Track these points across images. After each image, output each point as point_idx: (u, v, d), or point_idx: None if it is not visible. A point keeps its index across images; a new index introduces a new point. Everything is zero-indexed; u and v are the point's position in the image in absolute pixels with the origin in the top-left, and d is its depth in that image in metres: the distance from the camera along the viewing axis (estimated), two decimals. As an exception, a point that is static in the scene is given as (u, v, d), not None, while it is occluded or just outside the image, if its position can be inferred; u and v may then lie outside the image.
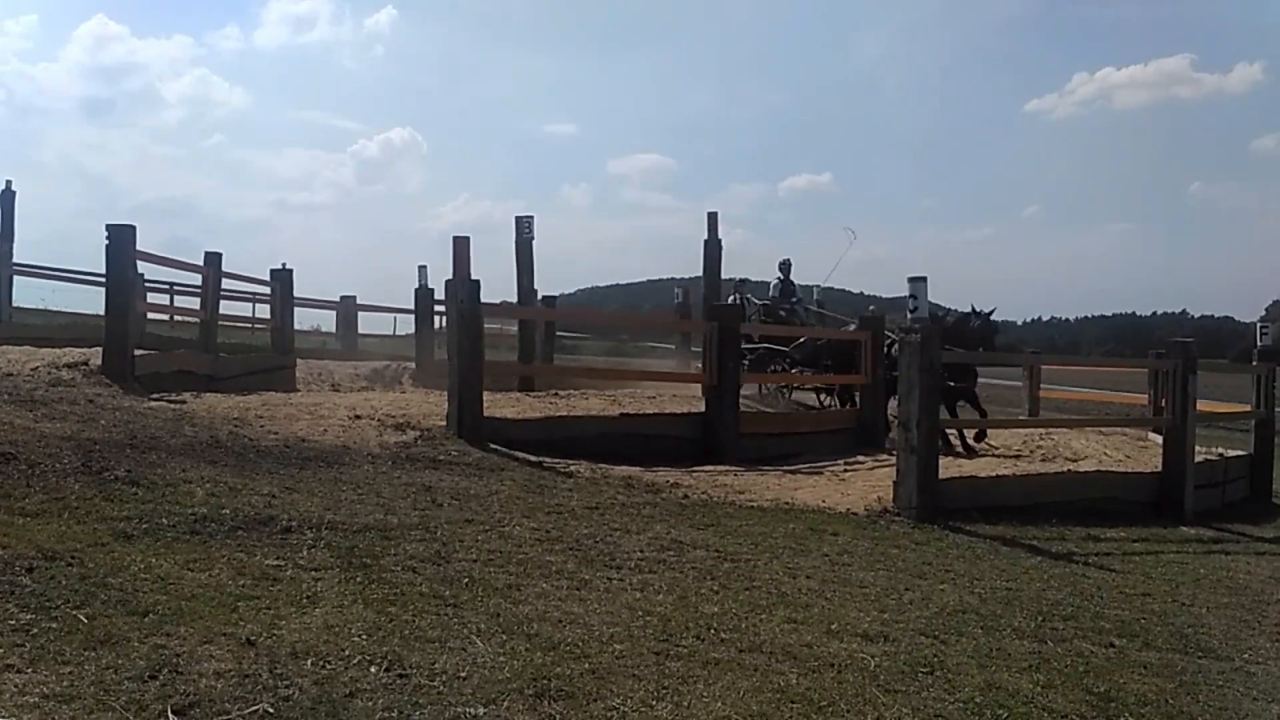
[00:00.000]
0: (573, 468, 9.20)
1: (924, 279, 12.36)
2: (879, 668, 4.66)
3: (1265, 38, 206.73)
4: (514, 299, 16.61)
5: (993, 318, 13.98)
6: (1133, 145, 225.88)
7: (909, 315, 12.31)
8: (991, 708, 4.34)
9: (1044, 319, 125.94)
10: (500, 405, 11.36)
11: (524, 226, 17.28)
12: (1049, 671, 4.93)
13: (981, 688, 4.56)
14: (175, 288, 21.60)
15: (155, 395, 10.41)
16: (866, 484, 10.03)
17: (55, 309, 20.57)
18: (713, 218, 16.70)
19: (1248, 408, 13.39)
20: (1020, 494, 9.60)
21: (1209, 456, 11.96)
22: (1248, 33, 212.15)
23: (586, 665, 4.22)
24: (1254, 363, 13.43)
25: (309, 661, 3.85)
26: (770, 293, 17.51)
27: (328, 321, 26.59)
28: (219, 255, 14.87)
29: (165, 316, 21.07)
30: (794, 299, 17.76)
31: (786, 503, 8.92)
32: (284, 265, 17.06)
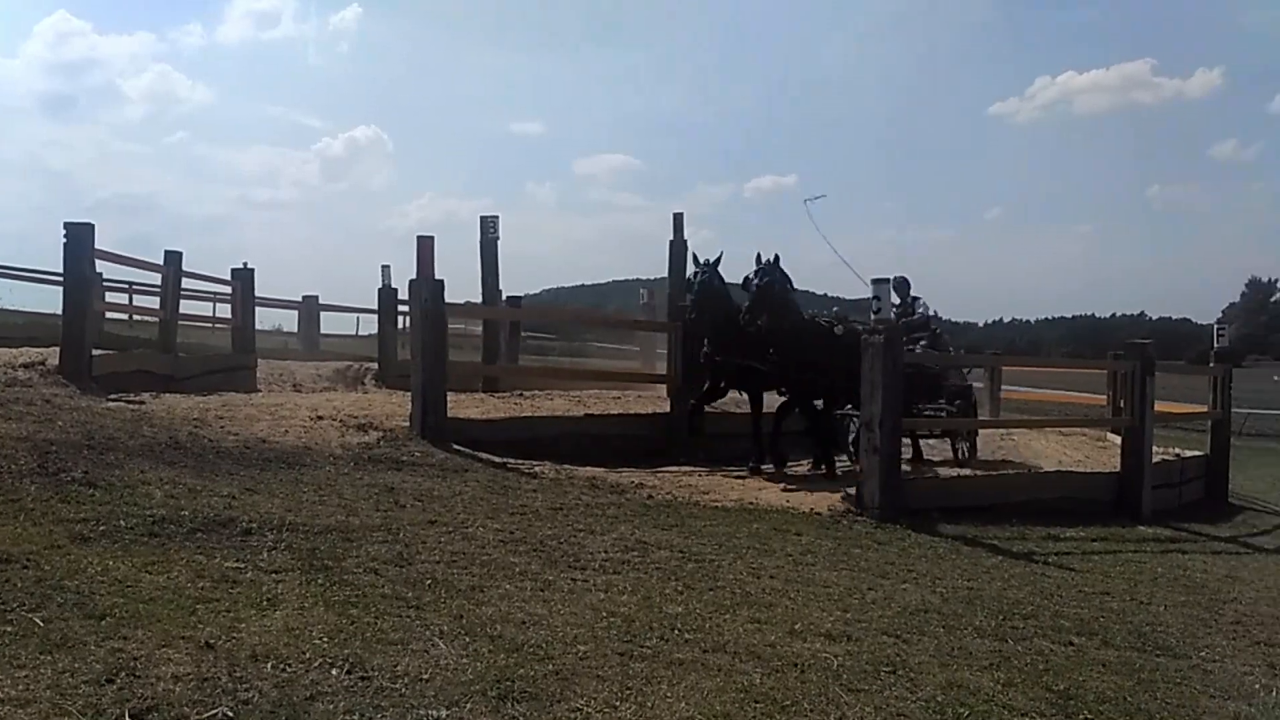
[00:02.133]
0: (537, 468, 9.17)
1: (888, 281, 12.37)
2: (842, 667, 4.68)
3: (1225, 43, 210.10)
4: (479, 299, 16.53)
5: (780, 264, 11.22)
6: (1094, 148, 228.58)
7: (872, 317, 12.30)
8: (953, 706, 4.36)
9: (1005, 320, 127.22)
10: (464, 406, 11.31)
11: (489, 226, 17.14)
12: (1010, 670, 4.97)
13: (943, 686, 4.59)
14: (134, 286, 21.34)
15: (113, 395, 10.27)
16: (830, 484, 10.07)
17: (11, 308, 20.26)
18: (678, 218, 16.67)
19: (1204, 409, 13.58)
20: (981, 494, 9.69)
21: (1166, 457, 12.12)
22: (1208, 38, 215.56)
23: (550, 666, 4.20)
24: (1211, 364, 13.61)
25: (269, 664, 3.81)
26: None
27: (289, 321, 26.39)
28: (179, 254, 14.69)
29: (124, 315, 20.82)
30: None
31: (750, 503, 8.95)
32: (245, 264, 16.89)
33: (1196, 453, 13.15)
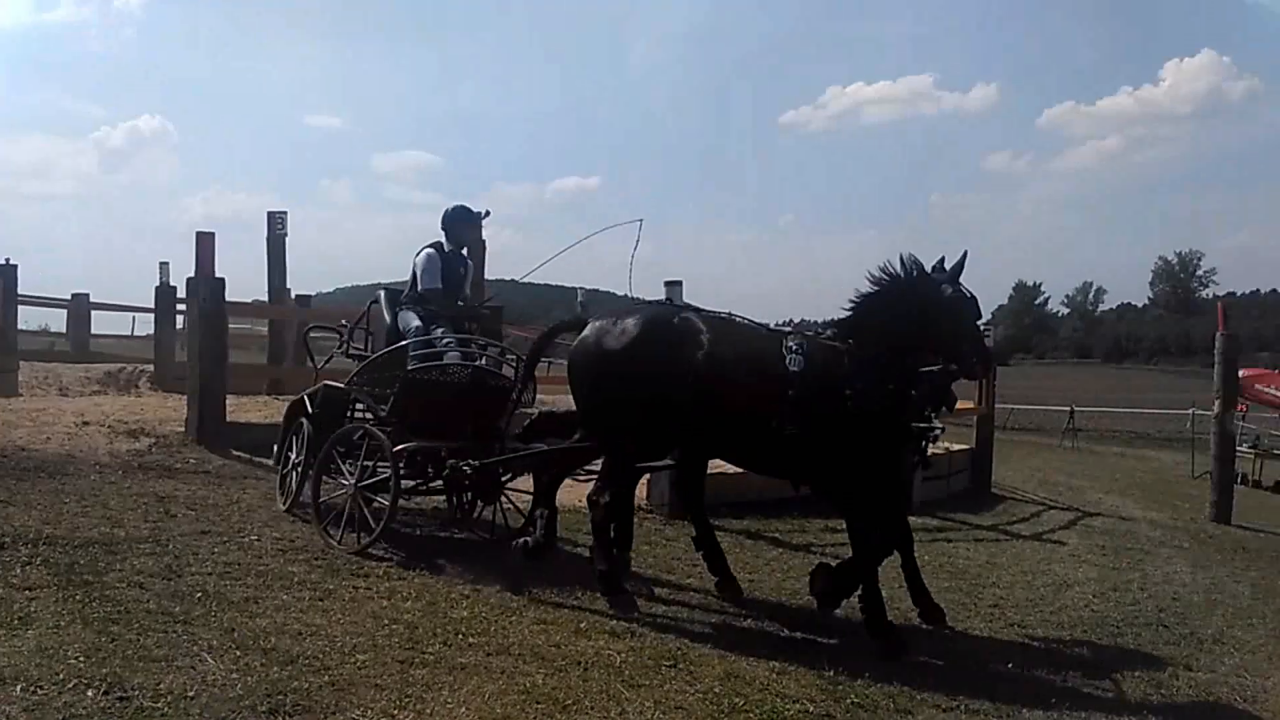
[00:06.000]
0: (322, 474, 8.90)
1: (679, 283, 12.60)
2: (625, 663, 4.76)
3: (1000, 59, 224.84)
4: (267, 298, 15.97)
5: None
6: (880, 158, 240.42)
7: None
8: (729, 696, 4.51)
9: (795, 320, 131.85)
10: (246, 410, 10.87)
11: (277, 222, 16.56)
12: (784, 659, 5.16)
13: (721, 677, 4.73)
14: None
15: None
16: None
17: None
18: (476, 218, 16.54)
19: (971, 405, 14.41)
20: (766, 488, 9.97)
21: (935, 450, 12.76)
22: (985, 54, 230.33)
23: (326, 678, 4.11)
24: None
25: (18, 687, 3.60)
26: None
27: (57, 320, 24.69)
28: (-70, 249, 13.59)
29: None
30: None
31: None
32: (7, 260, 15.79)
33: (963, 446, 13.91)
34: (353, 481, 6.55)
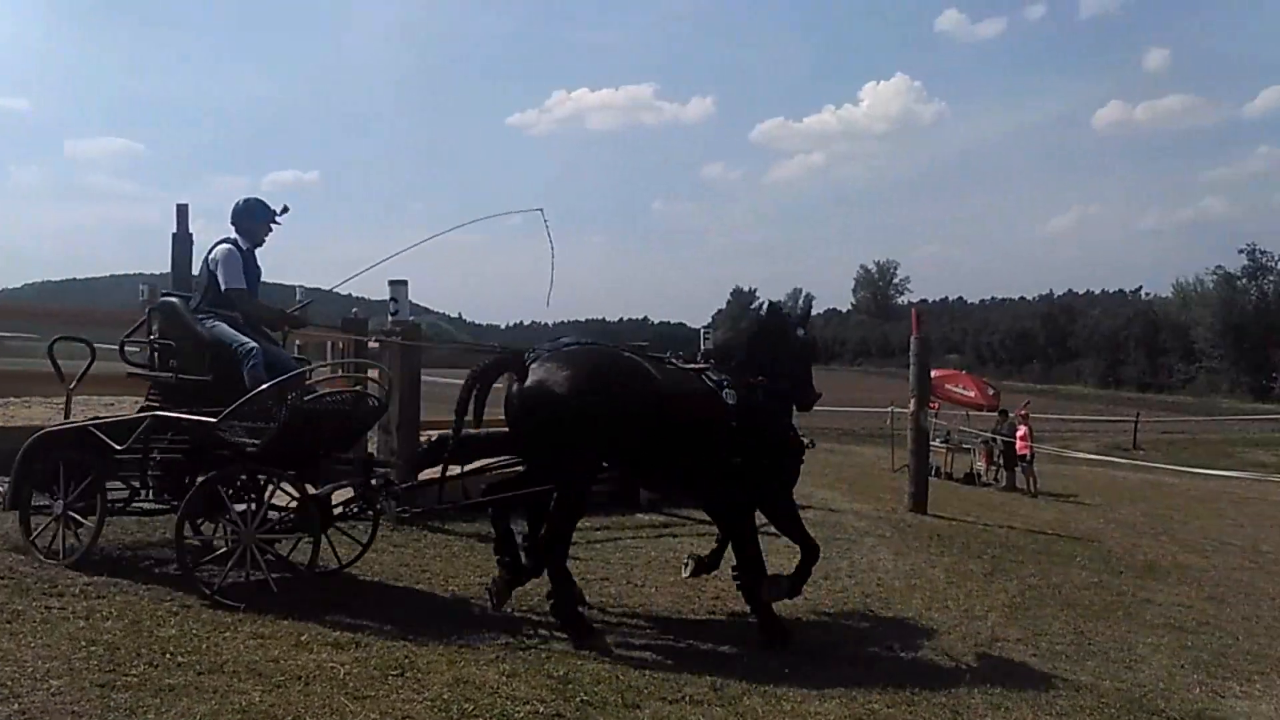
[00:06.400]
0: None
1: (405, 282, 12.36)
2: (349, 675, 4.61)
3: (717, 74, 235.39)
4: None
5: None
6: (605, 164, 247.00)
7: (390, 318, 12.22)
8: (459, 702, 4.46)
9: (525, 323, 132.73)
10: (-86, 417, 9.79)
11: (-47, 211, 15.11)
12: (514, 661, 5.17)
13: (450, 684, 4.67)
14: None
15: None
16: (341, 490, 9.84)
17: None
18: (183, 210, 15.45)
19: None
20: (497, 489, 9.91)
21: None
22: (703, 69, 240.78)
23: (15, 706, 3.78)
24: (700, 364, 14.99)
25: None
26: None
27: None
28: None
29: None
30: None
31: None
32: None
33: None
34: (248, 529, 5.80)
